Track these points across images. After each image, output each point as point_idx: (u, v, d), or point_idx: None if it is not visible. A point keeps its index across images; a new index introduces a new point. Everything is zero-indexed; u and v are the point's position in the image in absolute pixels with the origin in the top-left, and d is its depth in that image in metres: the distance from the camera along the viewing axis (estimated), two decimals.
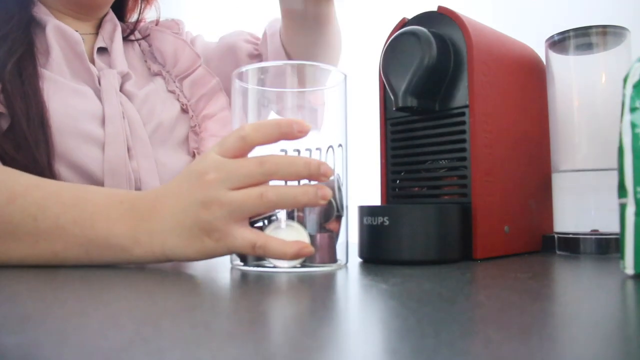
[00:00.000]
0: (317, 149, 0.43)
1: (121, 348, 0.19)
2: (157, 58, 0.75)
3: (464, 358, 0.18)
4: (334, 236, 0.42)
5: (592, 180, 0.52)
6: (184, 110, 0.71)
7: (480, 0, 0.70)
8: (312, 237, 0.41)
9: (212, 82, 0.73)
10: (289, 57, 0.76)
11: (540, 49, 0.58)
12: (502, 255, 0.51)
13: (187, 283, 0.36)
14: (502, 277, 0.38)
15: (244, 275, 0.38)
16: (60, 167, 0.59)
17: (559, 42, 0.55)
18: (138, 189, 0.63)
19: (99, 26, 0.73)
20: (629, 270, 0.35)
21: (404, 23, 0.54)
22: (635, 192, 0.35)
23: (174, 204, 0.41)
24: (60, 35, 0.65)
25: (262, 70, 0.44)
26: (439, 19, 0.51)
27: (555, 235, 0.54)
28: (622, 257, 0.36)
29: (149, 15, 0.81)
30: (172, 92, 0.71)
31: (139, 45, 0.76)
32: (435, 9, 0.52)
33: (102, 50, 0.70)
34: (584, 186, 0.52)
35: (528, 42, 0.59)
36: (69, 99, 0.61)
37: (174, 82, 0.72)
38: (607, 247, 0.50)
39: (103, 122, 0.62)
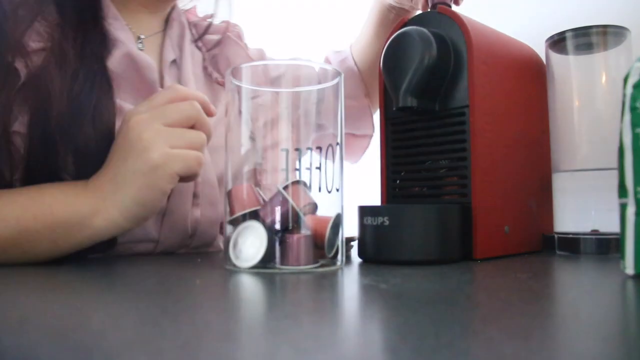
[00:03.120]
0: (317, 147, 0.43)
1: (121, 348, 0.19)
2: (220, 67, 0.69)
3: (464, 358, 0.18)
4: (309, 237, 0.41)
5: (593, 180, 0.52)
6: (251, 138, 0.62)
7: (480, 0, 0.70)
8: (283, 239, 0.40)
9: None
10: (361, 75, 0.77)
11: (540, 49, 0.58)
12: (502, 255, 0.51)
13: (187, 283, 0.36)
14: (502, 277, 0.38)
15: (244, 276, 0.38)
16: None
17: (559, 42, 0.55)
18: (193, 236, 0.60)
19: (166, 21, 0.67)
20: (629, 270, 0.35)
21: (403, 23, 0.54)
22: (635, 192, 0.35)
23: (119, 169, 0.46)
24: (131, 62, 0.57)
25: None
26: (439, 18, 0.51)
27: (556, 235, 0.54)
28: (622, 257, 0.36)
29: (202, 6, 0.74)
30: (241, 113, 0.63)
31: (200, 48, 0.70)
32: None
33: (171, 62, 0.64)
34: (584, 186, 0.52)
35: (528, 42, 0.59)
36: None
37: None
38: (608, 247, 0.50)
39: None
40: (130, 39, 0.59)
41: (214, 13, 0.72)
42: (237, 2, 0.73)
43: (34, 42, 0.51)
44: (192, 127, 0.48)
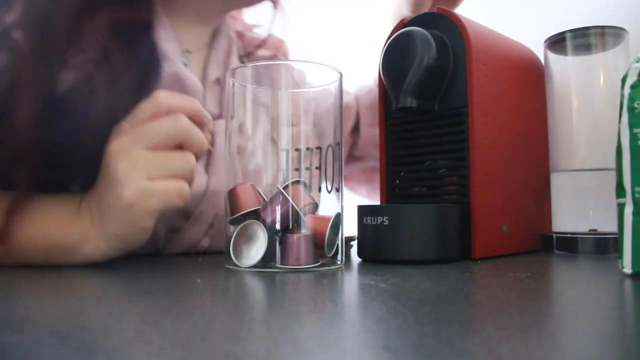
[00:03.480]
0: (317, 147, 0.44)
1: (121, 348, 0.19)
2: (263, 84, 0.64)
3: (464, 357, 0.18)
4: (309, 237, 0.41)
5: (591, 180, 0.52)
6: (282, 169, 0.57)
7: (479, 1, 0.70)
8: (283, 239, 0.41)
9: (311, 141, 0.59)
10: None
11: (539, 50, 0.58)
12: (501, 255, 0.51)
13: (187, 283, 0.37)
14: (501, 277, 0.38)
15: (244, 276, 0.38)
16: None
17: (557, 43, 0.55)
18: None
19: (213, 33, 0.64)
20: (627, 269, 0.35)
21: (403, 23, 0.54)
22: (633, 192, 0.35)
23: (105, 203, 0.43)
24: (177, 82, 0.55)
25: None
26: (438, 19, 0.51)
27: (554, 235, 0.55)
28: (620, 256, 0.36)
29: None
30: (275, 142, 0.50)
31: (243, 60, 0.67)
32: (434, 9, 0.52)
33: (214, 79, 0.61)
34: (582, 186, 0.52)
35: (527, 43, 0.59)
36: None
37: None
38: (606, 246, 0.50)
39: (200, 199, 0.55)
40: (176, 53, 0.56)
41: (269, 30, 0.69)
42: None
43: (82, 53, 0.48)
44: (180, 146, 0.43)
